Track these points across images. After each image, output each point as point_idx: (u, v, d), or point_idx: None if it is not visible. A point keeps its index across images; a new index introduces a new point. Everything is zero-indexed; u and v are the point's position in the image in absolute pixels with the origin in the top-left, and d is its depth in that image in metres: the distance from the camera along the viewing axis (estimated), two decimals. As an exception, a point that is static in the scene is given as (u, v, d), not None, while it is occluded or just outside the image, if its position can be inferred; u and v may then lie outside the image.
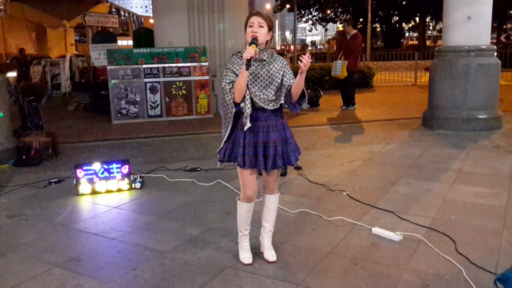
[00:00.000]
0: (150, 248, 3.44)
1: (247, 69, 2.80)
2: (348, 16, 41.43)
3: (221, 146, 3.09)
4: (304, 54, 2.76)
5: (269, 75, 2.94)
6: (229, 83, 2.90)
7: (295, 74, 2.93)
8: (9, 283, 2.98)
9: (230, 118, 2.97)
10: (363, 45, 12.60)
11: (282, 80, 2.97)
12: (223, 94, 2.92)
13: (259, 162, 2.97)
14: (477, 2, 7.23)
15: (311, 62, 2.79)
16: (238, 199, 3.18)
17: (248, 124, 2.90)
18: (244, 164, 2.97)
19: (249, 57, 2.75)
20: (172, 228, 3.81)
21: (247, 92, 2.88)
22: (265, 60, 2.95)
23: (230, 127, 3.01)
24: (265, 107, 2.94)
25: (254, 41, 2.86)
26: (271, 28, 2.97)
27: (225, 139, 3.05)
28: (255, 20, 2.93)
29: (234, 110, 2.93)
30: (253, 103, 2.93)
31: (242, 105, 2.91)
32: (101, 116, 10.14)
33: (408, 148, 6.42)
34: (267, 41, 2.97)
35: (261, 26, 2.92)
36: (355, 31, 10.18)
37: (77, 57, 18.38)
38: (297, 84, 2.87)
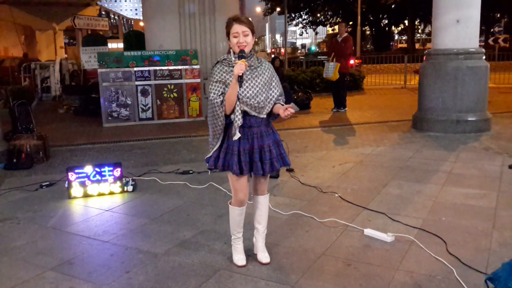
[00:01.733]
0: (144, 250, 3.44)
1: (240, 86, 2.82)
2: (338, 19, 41.68)
3: (210, 154, 3.07)
4: (290, 105, 2.88)
5: (259, 81, 2.95)
6: (220, 95, 2.87)
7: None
8: (2, 286, 2.96)
9: (222, 129, 2.96)
10: (353, 47, 12.69)
11: (271, 88, 3.00)
12: (214, 106, 2.89)
13: (257, 168, 2.98)
14: (466, 6, 7.32)
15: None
16: (230, 203, 3.19)
17: (237, 135, 2.91)
18: (242, 172, 2.97)
19: (240, 73, 2.76)
20: (165, 231, 3.81)
21: (237, 103, 2.88)
22: (253, 65, 2.96)
23: (221, 138, 2.99)
24: (257, 115, 2.95)
25: (243, 54, 2.85)
26: (254, 32, 2.97)
27: (215, 148, 3.03)
28: (239, 29, 2.89)
29: (225, 122, 2.92)
30: (245, 112, 2.93)
31: (232, 116, 2.90)
32: (91, 119, 10.09)
33: (399, 150, 6.48)
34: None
35: (246, 35, 2.90)
36: (346, 33, 10.28)
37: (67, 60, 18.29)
38: (276, 112, 2.99)
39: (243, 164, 2.96)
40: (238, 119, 2.88)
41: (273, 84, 3.03)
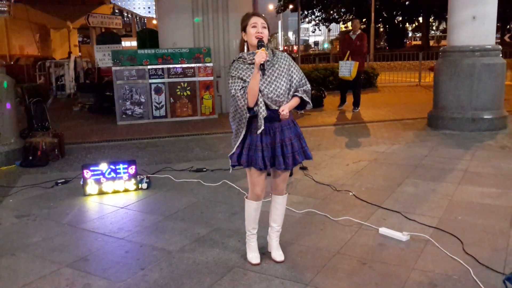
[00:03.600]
0: (158, 248, 3.46)
1: (263, 74, 2.82)
2: (351, 16, 41.43)
3: (233, 151, 3.06)
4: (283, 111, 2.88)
5: (277, 74, 2.94)
6: (240, 89, 2.88)
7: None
8: (19, 282, 3.00)
9: (244, 124, 2.95)
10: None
11: (291, 79, 2.98)
12: (236, 100, 2.89)
13: (279, 162, 2.97)
14: (482, 2, 7.22)
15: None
16: (246, 198, 3.19)
17: (262, 127, 2.90)
18: (266, 167, 2.97)
19: (262, 61, 2.76)
20: (180, 228, 3.82)
21: (260, 95, 2.88)
22: (269, 60, 2.95)
23: (244, 132, 2.98)
24: (277, 108, 2.94)
25: (262, 43, 2.86)
26: (269, 29, 3.00)
27: (238, 143, 3.01)
28: (259, 21, 2.92)
29: (248, 115, 2.91)
30: (266, 105, 2.92)
31: (256, 108, 2.90)
32: (106, 117, 10.17)
33: (414, 148, 6.42)
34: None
35: (265, 27, 2.93)
36: (360, 30, 10.14)
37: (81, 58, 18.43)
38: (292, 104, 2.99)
39: (266, 159, 2.97)
40: (262, 110, 2.88)
41: (294, 73, 3.00)
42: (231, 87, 2.92)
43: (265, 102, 2.90)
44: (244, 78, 2.90)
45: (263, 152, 2.96)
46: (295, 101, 2.99)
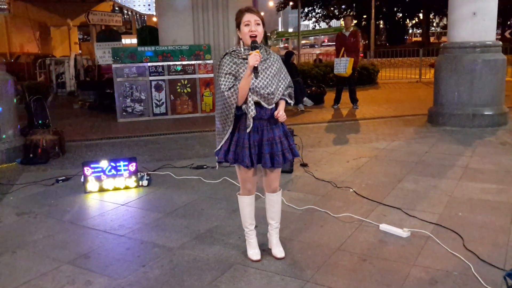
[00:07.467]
0: (159, 245, 3.46)
1: (256, 77, 2.81)
2: (352, 12, 41.36)
3: (219, 147, 3.04)
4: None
5: (269, 72, 2.94)
6: (231, 87, 2.85)
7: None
8: (20, 279, 3.00)
9: (231, 122, 2.93)
10: (366, 42, 12.52)
11: (279, 82, 2.99)
12: (225, 99, 2.86)
13: (265, 160, 2.97)
14: (483, -2, 7.20)
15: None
16: (239, 194, 3.20)
17: (251, 126, 2.90)
18: (252, 164, 2.97)
19: (256, 64, 2.75)
20: (180, 225, 3.82)
21: (249, 94, 2.87)
22: (262, 57, 2.93)
23: (230, 130, 2.97)
24: (267, 106, 2.94)
25: (256, 44, 2.85)
26: (264, 24, 2.96)
27: (224, 139, 3.01)
28: (252, 18, 2.88)
29: (234, 113, 2.90)
30: (255, 103, 2.91)
31: (244, 107, 2.89)
32: (106, 114, 10.17)
33: (414, 144, 6.42)
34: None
35: (258, 24, 2.89)
36: (352, 27, 10.14)
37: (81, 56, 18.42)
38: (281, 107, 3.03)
39: (253, 157, 2.96)
40: (251, 110, 2.87)
41: (282, 75, 3.03)
42: (221, 83, 2.89)
43: (255, 100, 2.89)
44: (236, 74, 2.88)
45: (250, 149, 2.95)
46: (283, 105, 3.04)
